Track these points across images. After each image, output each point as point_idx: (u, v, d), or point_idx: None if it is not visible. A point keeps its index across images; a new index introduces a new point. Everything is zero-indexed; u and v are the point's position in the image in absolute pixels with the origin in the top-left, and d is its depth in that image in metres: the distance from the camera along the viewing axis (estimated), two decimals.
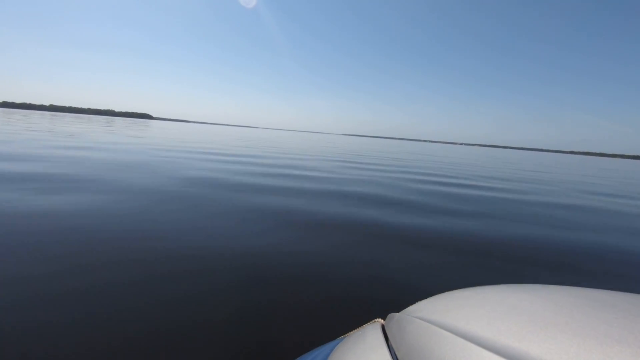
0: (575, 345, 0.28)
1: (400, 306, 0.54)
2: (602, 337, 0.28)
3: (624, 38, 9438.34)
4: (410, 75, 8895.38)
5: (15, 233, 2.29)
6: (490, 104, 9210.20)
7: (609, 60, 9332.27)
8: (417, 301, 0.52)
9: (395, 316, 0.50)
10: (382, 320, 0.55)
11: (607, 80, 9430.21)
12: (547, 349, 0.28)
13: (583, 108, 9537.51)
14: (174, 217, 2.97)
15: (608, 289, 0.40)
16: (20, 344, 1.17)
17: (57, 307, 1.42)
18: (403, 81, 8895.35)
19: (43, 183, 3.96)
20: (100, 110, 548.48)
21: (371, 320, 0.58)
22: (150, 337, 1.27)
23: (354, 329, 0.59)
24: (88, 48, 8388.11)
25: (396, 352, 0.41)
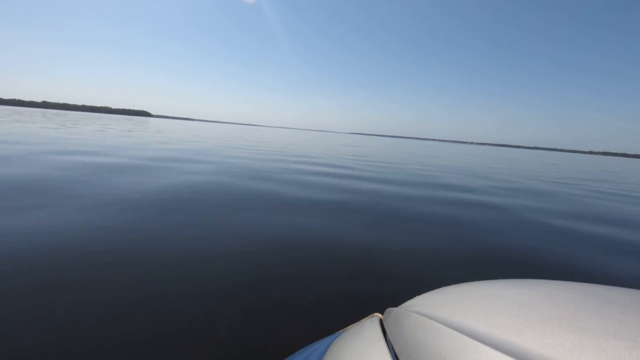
0: (571, 339, 0.28)
1: (398, 301, 0.54)
2: (598, 331, 0.28)
3: (633, 35, 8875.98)
4: (416, 73, 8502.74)
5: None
6: (499, 102, 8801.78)
7: (619, 58, 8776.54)
8: (415, 296, 0.52)
9: (393, 311, 0.50)
10: (380, 315, 0.55)
11: (616, 78, 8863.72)
12: (543, 343, 0.29)
13: (593, 106, 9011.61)
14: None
15: (605, 284, 0.40)
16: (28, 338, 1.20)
17: (52, 304, 1.43)
18: (409, 79, 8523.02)
19: None
20: (95, 107, 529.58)
21: (369, 315, 0.58)
22: (150, 335, 1.29)
23: (352, 324, 0.59)
24: (86, 43, 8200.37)
25: (394, 347, 0.41)
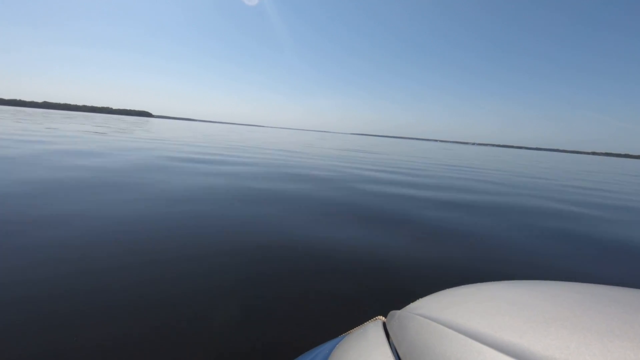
0: (575, 340, 0.28)
1: (401, 303, 0.53)
2: (603, 331, 0.28)
3: (632, 35, 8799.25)
4: (416, 73, 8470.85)
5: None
6: (499, 102, 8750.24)
7: (618, 58, 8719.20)
8: (418, 298, 0.52)
9: (396, 313, 0.49)
10: (384, 318, 0.54)
11: (616, 78, 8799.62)
12: (548, 344, 0.28)
13: (593, 107, 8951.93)
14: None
15: (609, 284, 0.39)
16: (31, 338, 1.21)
17: (55, 303, 1.44)
18: (409, 79, 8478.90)
19: None
20: (96, 107, 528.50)
21: (372, 318, 0.58)
22: (149, 335, 1.29)
23: (355, 327, 0.59)
24: (87, 44, 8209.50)
25: (397, 350, 0.40)
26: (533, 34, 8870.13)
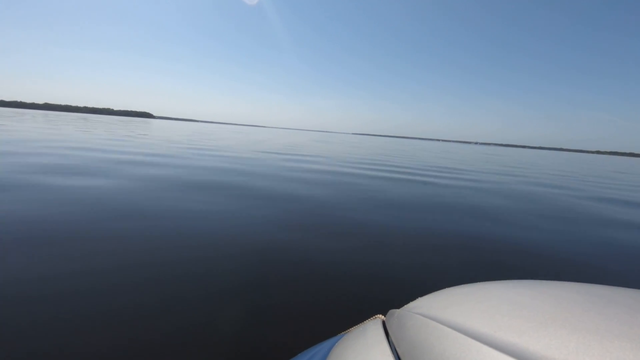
0: (575, 340, 0.28)
1: (401, 302, 0.54)
2: (602, 332, 0.28)
3: (634, 36, 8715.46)
4: (416, 73, 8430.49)
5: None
6: (500, 102, 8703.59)
7: (620, 59, 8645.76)
8: (417, 297, 0.51)
9: (395, 312, 0.49)
10: (383, 317, 0.54)
11: (619, 79, 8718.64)
12: (547, 344, 0.28)
13: (595, 106, 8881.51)
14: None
15: (608, 285, 0.40)
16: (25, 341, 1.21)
17: (59, 305, 1.44)
18: (409, 79, 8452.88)
19: None
20: (97, 108, 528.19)
21: (372, 317, 0.58)
22: (152, 336, 1.30)
23: (354, 325, 0.59)
24: (88, 46, 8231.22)
25: (397, 348, 0.40)
26: (533, 34, 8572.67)
